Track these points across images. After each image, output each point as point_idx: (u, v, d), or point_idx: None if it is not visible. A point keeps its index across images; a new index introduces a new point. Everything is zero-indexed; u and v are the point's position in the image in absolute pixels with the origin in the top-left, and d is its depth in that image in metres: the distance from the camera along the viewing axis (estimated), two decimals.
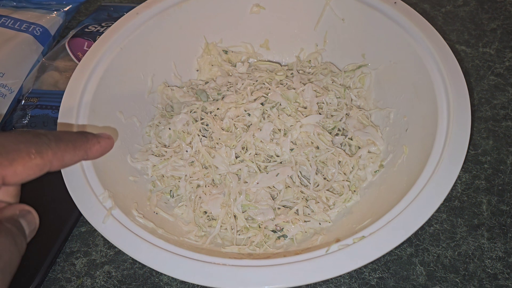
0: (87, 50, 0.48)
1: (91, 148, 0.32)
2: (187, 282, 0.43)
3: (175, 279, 0.43)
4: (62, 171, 0.38)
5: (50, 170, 0.28)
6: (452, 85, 0.40)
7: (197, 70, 0.54)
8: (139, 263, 0.44)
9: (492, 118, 0.52)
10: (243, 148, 0.45)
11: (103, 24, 0.61)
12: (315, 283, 0.42)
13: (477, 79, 0.56)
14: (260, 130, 0.45)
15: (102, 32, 0.48)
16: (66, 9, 0.67)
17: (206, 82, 0.53)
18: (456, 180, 0.47)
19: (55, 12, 0.65)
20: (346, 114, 0.48)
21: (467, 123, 0.37)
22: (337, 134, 0.47)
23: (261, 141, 0.45)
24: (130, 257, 0.44)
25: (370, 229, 0.33)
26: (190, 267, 0.33)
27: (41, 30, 0.62)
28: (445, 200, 0.46)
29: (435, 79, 0.41)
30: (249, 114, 0.46)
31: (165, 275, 0.43)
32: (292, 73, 0.51)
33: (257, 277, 0.31)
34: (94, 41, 0.47)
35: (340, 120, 0.47)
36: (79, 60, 0.57)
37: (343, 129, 0.47)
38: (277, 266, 0.31)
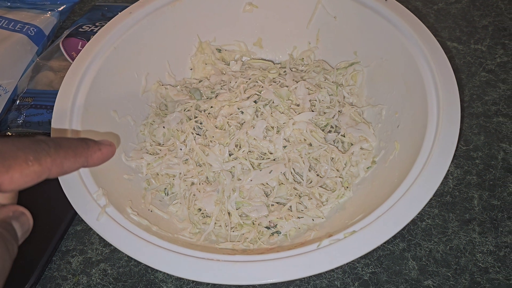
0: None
1: (92, 155, 0.31)
2: (183, 279, 0.43)
3: (170, 276, 0.43)
4: None
5: (49, 177, 0.28)
6: (442, 81, 0.40)
7: (191, 69, 0.55)
8: (135, 260, 0.45)
9: (483, 114, 0.53)
10: (236, 145, 0.45)
11: (97, 24, 0.61)
12: (309, 278, 0.42)
13: (468, 75, 0.57)
14: (253, 127, 0.45)
15: (96, 32, 0.48)
16: (60, 9, 0.67)
17: (200, 81, 0.53)
18: (448, 175, 0.48)
19: (49, 12, 0.65)
20: (339, 111, 0.49)
21: (457, 118, 0.38)
22: (329, 131, 0.47)
23: (254, 138, 0.45)
24: (126, 254, 0.45)
25: (361, 224, 0.33)
26: (184, 263, 0.33)
27: (35, 30, 0.63)
28: (437, 195, 0.47)
29: (425, 76, 0.42)
30: (242, 112, 0.47)
31: (160, 272, 0.44)
32: (285, 71, 0.51)
33: (249, 272, 0.31)
34: (88, 40, 0.48)
35: (333, 117, 0.48)
36: (73, 59, 0.57)
37: (336, 126, 0.48)
38: (269, 261, 0.31)
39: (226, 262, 0.32)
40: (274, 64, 0.54)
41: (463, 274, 0.42)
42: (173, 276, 0.43)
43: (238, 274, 0.32)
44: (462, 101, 0.54)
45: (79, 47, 0.58)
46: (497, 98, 0.54)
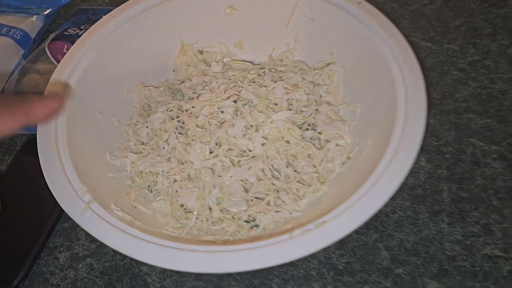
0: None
1: (33, 109, 0.29)
2: (166, 271, 0.45)
3: (154, 269, 0.45)
4: (43, 168, 0.40)
5: None
6: (410, 81, 0.42)
7: (174, 70, 0.56)
8: (120, 255, 0.46)
9: (454, 111, 0.55)
10: (217, 144, 0.47)
11: (82, 27, 0.63)
12: (286, 268, 0.44)
13: (441, 74, 0.59)
14: (233, 126, 0.47)
15: (81, 35, 0.50)
16: (46, 12, 0.68)
17: (182, 82, 0.55)
18: (419, 169, 0.51)
19: (35, 16, 0.67)
20: (316, 109, 0.51)
21: (422, 116, 0.40)
22: (307, 129, 0.50)
23: (234, 137, 0.47)
24: (111, 249, 0.47)
25: (331, 215, 0.35)
26: (166, 254, 0.35)
27: (21, 33, 0.64)
28: (409, 188, 0.49)
29: (396, 76, 0.44)
30: (222, 112, 0.49)
31: (144, 265, 0.45)
32: (264, 72, 0.53)
33: (225, 261, 0.33)
34: (73, 44, 0.49)
35: (310, 116, 0.50)
36: (58, 62, 0.58)
37: (313, 124, 0.50)
38: (244, 251, 0.33)
39: (205, 252, 0.34)
40: (253, 65, 0.56)
41: (432, 262, 0.44)
42: (157, 269, 0.45)
43: (216, 263, 0.34)
44: (434, 98, 0.57)
45: (64, 50, 0.60)
46: (468, 96, 0.57)
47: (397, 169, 0.37)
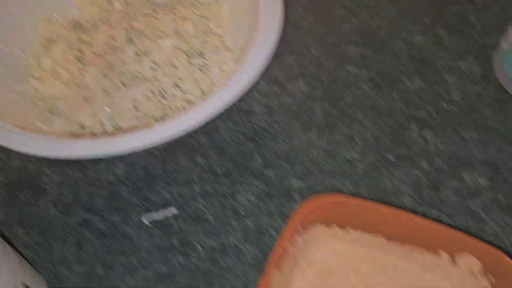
0: None
1: None
2: (64, 181, 0.50)
3: (53, 179, 0.51)
4: None
5: None
6: (270, 13, 0.49)
7: (78, 9, 0.61)
8: (24, 170, 0.52)
9: (335, 44, 0.62)
10: (110, 68, 0.52)
11: None
12: (170, 175, 0.50)
13: (327, 12, 0.66)
14: (125, 53, 0.53)
15: None
16: None
17: (85, 18, 0.59)
18: (297, 92, 0.57)
19: None
20: (204, 40, 0.56)
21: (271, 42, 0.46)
22: (195, 57, 0.55)
23: (125, 62, 0.52)
24: (16, 165, 0.52)
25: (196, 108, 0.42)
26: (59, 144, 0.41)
27: None
28: (286, 108, 0.56)
29: (262, 11, 0.49)
30: (116, 41, 0.54)
31: (46, 176, 0.51)
32: (158, 7, 0.58)
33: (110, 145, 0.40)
34: None
35: (198, 45, 0.55)
36: None
37: (200, 51, 0.56)
38: (110, 139, 0.40)
39: (96, 142, 0.40)
40: (151, 2, 0.61)
41: (298, 165, 0.51)
42: (56, 179, 0.51)
43: (98, 148, 0.40)
44: (318, 32, 0.63)
45: None
46: (349, 30, 0.64)
47: (239, 82, 0.44)
